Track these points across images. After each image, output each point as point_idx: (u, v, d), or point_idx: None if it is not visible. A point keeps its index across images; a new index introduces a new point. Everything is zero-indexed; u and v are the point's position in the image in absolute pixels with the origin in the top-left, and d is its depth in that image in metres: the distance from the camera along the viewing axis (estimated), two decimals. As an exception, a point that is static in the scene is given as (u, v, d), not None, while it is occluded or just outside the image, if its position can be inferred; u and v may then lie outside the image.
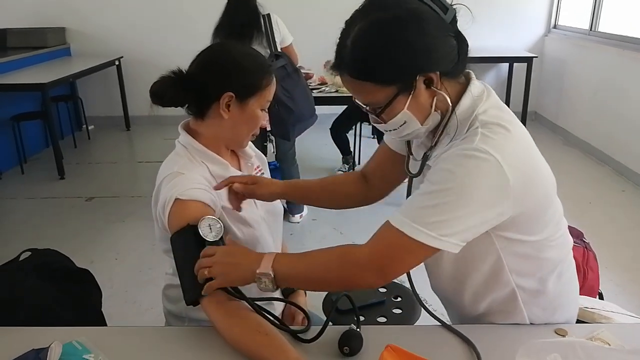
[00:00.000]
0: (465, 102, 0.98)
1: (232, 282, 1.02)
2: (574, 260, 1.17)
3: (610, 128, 4.42)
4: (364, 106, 1.00)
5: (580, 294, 1.26)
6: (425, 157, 1.06)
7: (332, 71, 1.00)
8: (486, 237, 0.98)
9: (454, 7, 0.94)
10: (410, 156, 1.14)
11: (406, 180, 1.21)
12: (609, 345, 1.03)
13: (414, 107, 0.96)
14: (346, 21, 0.96)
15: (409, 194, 1.12)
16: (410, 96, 0.94)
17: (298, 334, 1.07)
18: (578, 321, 1.22)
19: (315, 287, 1.09)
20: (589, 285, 1.49)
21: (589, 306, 1.31)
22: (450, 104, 0.97)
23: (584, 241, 1.57)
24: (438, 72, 0.94)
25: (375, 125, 1.04)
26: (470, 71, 1.02)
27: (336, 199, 1.36)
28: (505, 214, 0.93)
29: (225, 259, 1.01)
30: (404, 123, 0.98)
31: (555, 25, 5.72)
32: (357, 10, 0.95)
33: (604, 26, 4.87)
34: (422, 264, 1.01)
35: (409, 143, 1.15)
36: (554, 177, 1.04)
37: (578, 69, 5.08)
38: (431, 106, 0.97)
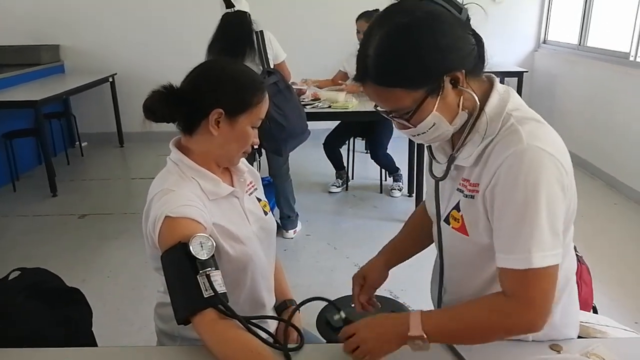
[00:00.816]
0: (494, 99, 0.99)
1: (387, 353, 1.00)
2: None
3: (601, 141, 4.46)
4: (388, 114, 1.00)
5: (574, 309, 1.26)
6: (452, 159, 1.05)
7: (354, 82, 1.01)
8: None
9: (466, 7, 0.96)
10: (433, 160, 1.14)
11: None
12: (604, 360, 1.02)
13: (443, 108, 0.96)
14: (364, 33, 0.97)
15: (436, 198, 1.10)
16: (439, 98, 0.94)
17: (290, 352, 1.06)
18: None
19: (474, 343, 1.06)
20: (583, 299, 1.48)
21: (584, 320, 1.30)
22: (478, 102, 0.98)
23: (577, 254, 1.57)
24: (463, 71, 0.94)
25: (402, 131, 1.03)
26: (492, 74, 1.04)
27: (426, 238, 1.29)
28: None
29: (371, 334, 1.00)
30: (433, 125, 0.97)
31: (544, 40, 5.81)
32: (373, 21, 0.96)
33: (592, 41, 4.94)
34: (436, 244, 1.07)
35: (430, 147, 1.15)
36: None
37: (568, 83, 5.14)
38: (458, 106, 0.98)
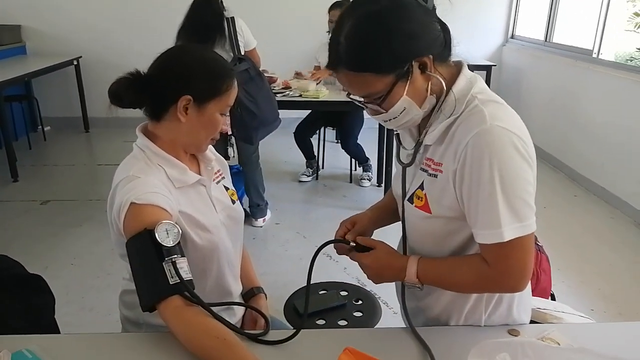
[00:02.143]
0: (461, 82, 1.03)
1: (384, 281, 1.15)
2: None
3: (564, 135, 4.60)
4: (360, 100, 1.03)
5: (533, 295, 1.30)
6: (419, 144, 1.09)
7: (328, 69, 1.03)
8: None
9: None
10: (400, 147, 1.18)
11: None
12: (559, 344, 1.07)
13: (412, 92, 0.99)
14: (336, 21, 1.00)
15: (403, 181, 1.14)
16: (408, 82, 0.98)
17: (259, 337, 1.07)
18: (531, 321, 1.27)
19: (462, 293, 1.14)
20: (541, 287, 1.54)
21: (542, 307, 1.36)
22: (445, 86, 1.01)
23: (538, 244, 1.62)
24: (431, 56, 0.98)
25: (373, 117, 1.06)
26: (461, 59, 1.07)
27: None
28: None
29: (373, 265, 1.13)
30: (404, 110, 1.01)
31: (512, 35, 5.92)
32: (344, 10, 0.99)
33: (558, 37, 5.07)
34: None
35: (398, 135, 1.19)
36: None
37: (534, 78, 5.27)
38: (427, 90, 1.01)
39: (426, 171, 1.07)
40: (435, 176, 1.05)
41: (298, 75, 4.09)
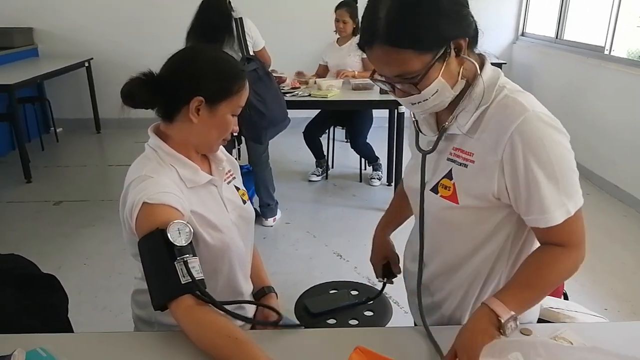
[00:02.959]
0: (488, 70, 1.04)
1: (482, 345, 0.95)
2: None
3: (576, 133, 4.53)
4: (386, 82, 1.02)
5: (545, 295, 1.29)
6: (444, 129, 1.07)
7: (357, 49, 1.03)
8: (507, 208, 1.05)
9: None
10: (420, 134, 1.16)
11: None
12: (572, 343, 1.06)
13: (446, 74, 0.98)
14: (369, 0, 0.98)
15: (422, 170, 1.12)
16: (445, 63, 0.97)
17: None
18: (544, 321, 1.26)
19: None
20: (554, 286, 1.53)
21: (554, 306, 1.35)
22: (479, 70, 1.01)
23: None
24: (467, 40, 0.98)
25: (401, 99, 1.04)
26: (482, 52, 1.07)
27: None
28: None
29: (465, 337, 0.96)
30: (437, 92, 0.99)
31: (523, 32, 5.88)
32: None
33: (569, 34, 5.02)
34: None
35: (416, 121, 1.17)
36: None
37: (545, 75, 5.22)
38: (459, 74, 1.01)
39: (454, 161, 1.06)
40: (466, 166, 1.04)
41: (299, 74, 4.10)
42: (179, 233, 1.03)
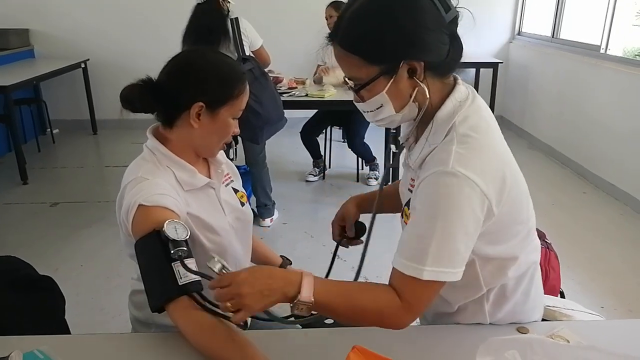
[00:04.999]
0: (447, 107, 0.99)
1: (263, 309, 0.95)
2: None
3: (572, 132, 4.57)
4: (348, 81, 1.02)
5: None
6: (401, 149, 1.10)
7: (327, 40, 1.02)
8: None
9: (458, 10, 0.96)
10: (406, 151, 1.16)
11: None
12: (568, 342, 1.06)
13: (393, 92, 0.97)
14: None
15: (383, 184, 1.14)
16: (392, 80, 0.96)
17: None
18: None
19: (345, 322, 1.06)
20: (550, 285, 1.54)
21: (551, 304, 1.35)
22: (429, 98, 0.98)
23: (546, 242, 1.62)
24: (422, 64, 0.95)
25: (355, 103, 1.05)
26: (458, 76, 1.04)
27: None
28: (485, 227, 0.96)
29: (250, 290, 0.92)
30: (380, 106, 0.99)
31: (519, 32, 5.89)
32: None
33: (565, 33, 5.03)
34: None
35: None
36: (524, 181, 1.06)
37: (541, 74, 5.23)
38: (410, 96, 0.98)
39: (411, 191, 1.05)
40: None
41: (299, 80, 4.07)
42: (176, 231, 1.02)
